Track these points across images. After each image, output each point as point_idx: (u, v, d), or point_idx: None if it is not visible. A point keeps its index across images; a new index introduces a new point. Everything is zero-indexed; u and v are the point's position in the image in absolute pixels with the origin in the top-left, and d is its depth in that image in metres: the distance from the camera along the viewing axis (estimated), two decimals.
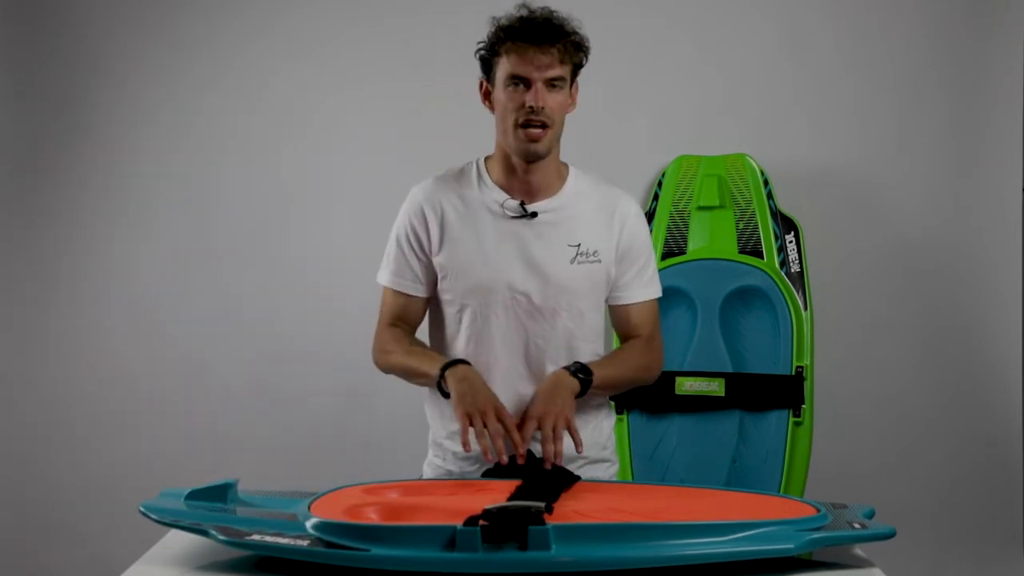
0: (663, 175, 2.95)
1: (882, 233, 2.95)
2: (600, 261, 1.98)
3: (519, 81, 1.89)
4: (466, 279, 1.96)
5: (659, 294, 2.07)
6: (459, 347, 1.98)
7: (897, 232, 2.95)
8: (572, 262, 1.96)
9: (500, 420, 1.81)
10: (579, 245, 1.97)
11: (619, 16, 2.99)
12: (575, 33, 1.94)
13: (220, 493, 1.62)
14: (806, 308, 2.77)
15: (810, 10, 2.96)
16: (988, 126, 2.93)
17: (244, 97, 3.06)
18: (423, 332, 2.07)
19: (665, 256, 2.86)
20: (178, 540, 1.59)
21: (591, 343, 2.00)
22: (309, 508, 1.52)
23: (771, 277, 2.77)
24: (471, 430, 1.79)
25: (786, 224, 2.85)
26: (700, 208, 2.87)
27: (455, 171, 2.04)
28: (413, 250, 2.01)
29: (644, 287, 2.04)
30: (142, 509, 1.55)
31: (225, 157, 3.07)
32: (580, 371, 1.92)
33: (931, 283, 2.95)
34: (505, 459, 1.80)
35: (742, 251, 2.82)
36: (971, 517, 2.95)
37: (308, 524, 1.47)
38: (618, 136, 2.98)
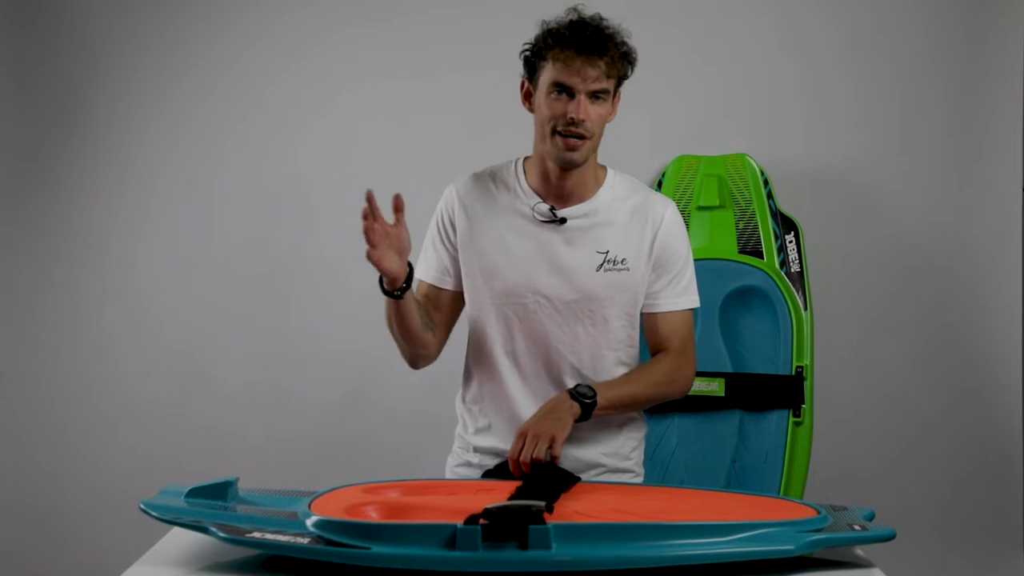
0: (663, 175, 2.95)
1: (882, 233, 2.95)
2: (629, 269, 1.96)
3: (562, 89, 1.87)
4: (490, 278, 1.96)
5: (695, 304, 2.03)
6: (484, 349, 1.98)
7: (897, 232, 2.95)
8: (599, 269, 1.95)
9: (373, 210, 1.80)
10: (607, 252, 1.95)
11: (619, 16, 2.97)
12: (624, 44, 1.92)
13: (220, 491, 1.62)
14: (806, 308, 2.77)
15: (810, 10, 2.96)
16: (988, 126, 2.93)
17: (243, 96, 3.06)
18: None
19: None
20: (179, 540, 1.59)
21: (616, 352, 1.99)
22: (309, 506, 1.53)
23: (771, 277, 2.77)
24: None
25: (786, 224, 2.85)
26: (700, 208, 2.87)
27: (493, 170, 2.03)
28: (444, 243, 2.01)
29: (676, 296, 2.00)
30: (142, 506, 1.55)
31: (224, 156, 3.07)
32: (585, 394, 1.89)
33: (931, 283, 2.95)
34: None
35: (742, 251, 2.82)
36: (971, 517, 2.95)
37: (309, 522, 1.47)
38: (618, 136, 2.95)
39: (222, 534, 1.45)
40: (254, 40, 3.06)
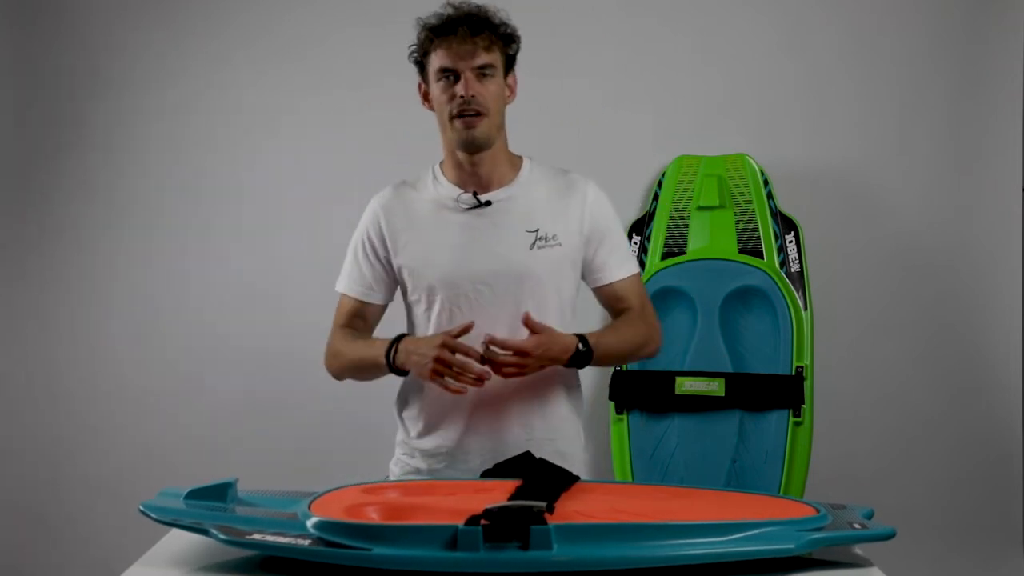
0: (663, 175, 2.95)
1: (882, 233, 2.95)
2: (561, 244, 1.98)
3: (448, 73, 1.92)
4: (428, 275, 1.98)
5: (638, 269, 2.08)
6: None
7: (897, 232, 2.95)
8: (532, 247, 1.97)
9: (455, 351, 1.84)
10: (537, 230, 1.97)
11: (619, 16, 3.00)
12: (502, 24, 1.95)
13: (219, 492, 1.62)
14: (806, 308, 2.77)
15: (810, 10, 2.96)
16: (988, 126, 2.93)
17: (244, 96, 3.06)
18: None
19: (665, 256, 2.86)
20: (178, 540, 1.59)
21: (560, 328, 1.98)
22: (309, 507, 1.52)
23: (771, 277, 2.77)
24: (449, 381, 1.83)
25: (786, 224, 2.85)
26: (700, 208, 2.87)
27: (413, 178, 2.08)
28: (367, 257, 2.04)
29: (621, 264, 2.05)
30: (142, 508, 1.54)
31: (224, 160, 3.07)
32: (581, 342, 1.92)
33: (931, 283, 2.95)
34: (487, 374, 1.84)
35: (742, 251, 2.82)
36: (971, 517, 2.95)
37: (309, 523, 1.47)
38: (618, 136, 2.98)
39: (222, 536, 1.44)
40: (254, 40, 3.06)
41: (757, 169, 2.88)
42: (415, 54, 1.98)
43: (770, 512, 1.56)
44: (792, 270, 2.80)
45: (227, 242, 3.07)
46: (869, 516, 1.63)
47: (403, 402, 2.09)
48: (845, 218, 2.96)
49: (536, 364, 1.87)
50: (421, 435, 2.03)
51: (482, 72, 1.92)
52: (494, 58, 1.94)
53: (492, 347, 1.86)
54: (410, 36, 3.03)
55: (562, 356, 1.90)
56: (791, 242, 2.83)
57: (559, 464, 1.80)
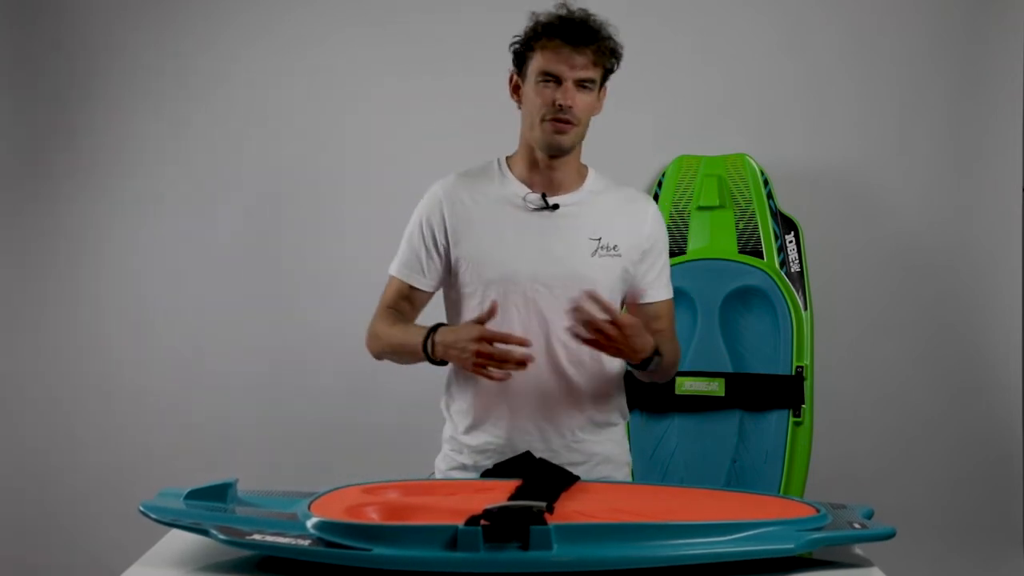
0: (663, 175, 2.95)
1: (882, 233, 2.95)
2: (620, 256, 2.00)
3: (551, 78, 1.92)
4: (487, 270, 1.97)
5: (673, 295, 2.10)
6: None
7: (897, 232, 2.95)
8: (593, 255, 1.98)
9: (494, 342, 1.83)
10: (600, 239, 1.99)
11: (619, 16, 2.97)
12: (611, 38, 1.96)
13: (219, 493, 1.62)
14: (806, 308, 2.77)
15: (810, 10, 2.96)
16: (988, 126, 2.93)
17: (244, 96, 3.06)
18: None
19: None
20: (178, 540, 1.59)
21: None
22: (309, 508, 1.52)
23: (771, 277, 2.77)
24: (493, 371, 1.83)
25: (786, 224, 2.85)
26: (700, 208, 2.87)
27: (477, 168, 2.07)
28: (424, 243, 2.02)
29: (665, 286, 2.08)
30: (142, 509, 1.54)
31: (225, 154, 3.07)
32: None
33: (931, 283, 2.95)
34: (531, 357, 1.84)
35: (742, 251, 2.82)
36: (971, 517, 2.95)
37: (309, 524, 1.47)
38: (618, 136, 2.96)
39: (222, 536, 1.44)
40: (254, 40, 3.06)
41: (757, 169, 2.88)
42: (518, 44, 1.97)
43: (770, 512, 1.56)
44: (792, 270, 2.80)
45: (228, 241, 3.07)
46: (869, 516, 1.63)
47: (450, 396, 2.08)
48: (845, 218, 2.96)
49: (620, 343, 1.84)
50: (468, 430, 2.02)
51: (582, 84, 1.93)
52: (596, 72, 1.94)
53: (589, 303, 1.82)
54: (410, 36, 3.04)
55: (644, 349, 1.88)
56: (791, 242, 2.83)
57: (606, 469, 1.83)
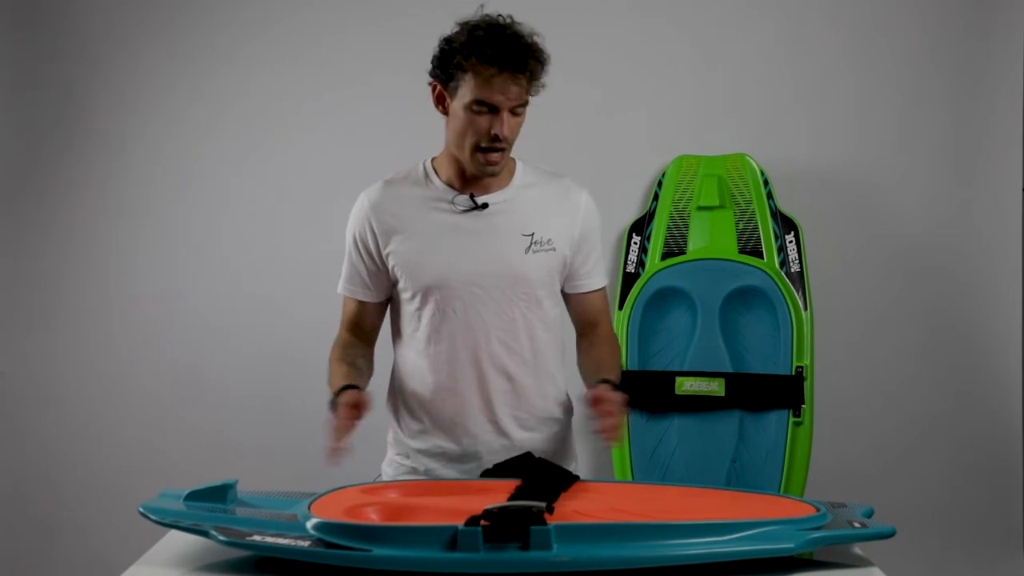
0: (663, 175, 2.95)
1: (882, 233, 2.95)
2: (555, 249, 1.97)
3: (484, 106, 1.84)
4: (422, 275, 1.95)
5: (607, 282, 2.10)
6: (420, 344, 1.97)
7: (897, 232, 2.95)
8: (527, 251, 1.95)
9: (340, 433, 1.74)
10: (533, 234, 1.95)
11: (619, 16, 3.00)
12: (541, 53, 1.86)
13: (219, 494, 1.62)
14: (806, 308, 2.77)
15: (810, 10, 2.96)
16: (988, 126, 2.93)
17: (244, 96, 3.06)
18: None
19: (665, 256, 2.86)
20: (178, 540, 1.59)
21: (550, 331, 2.00)
22: (309, 508, 1.52)
23: (771, 277, 2.77)
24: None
25: (786, 224, 2.85)
26: (700, 208, 2.87)
27: (402, 173, 2.02)
28: (361, 256, 2.02)
29: (599, 275, 2.06)
30: (142, 510, 1.55)
31: (225, 158, 3.07)
32: (614, 386, 1.89)
33: (931, 283, 2.95)
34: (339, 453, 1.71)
35: (742, 251, 2.82)
36: (971, 517, 2.95)
37: (309, 524, 1.47)
38: (618, 136, 2.98)
39: (222, 537, 1.44)
40: (254, 40, 3.05)
41: (757, 169, 2.88)
42: (440, 59, 1.87)
43: (770, 511, 1.57)
44: (792, 270, 2.80)
45: (228, 242, 3.07)
46: (869, 515, 1.63)
47: (397, 398, 2.06)
48: (845, 218, 2.96)
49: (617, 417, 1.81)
50: (417, 435, 2.02)
51: (516, 111, 1.86)
52: (530, 92, 1.87)
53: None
54: (408, 35, 3.03)
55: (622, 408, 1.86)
56: (791, 242, 2.83)
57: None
